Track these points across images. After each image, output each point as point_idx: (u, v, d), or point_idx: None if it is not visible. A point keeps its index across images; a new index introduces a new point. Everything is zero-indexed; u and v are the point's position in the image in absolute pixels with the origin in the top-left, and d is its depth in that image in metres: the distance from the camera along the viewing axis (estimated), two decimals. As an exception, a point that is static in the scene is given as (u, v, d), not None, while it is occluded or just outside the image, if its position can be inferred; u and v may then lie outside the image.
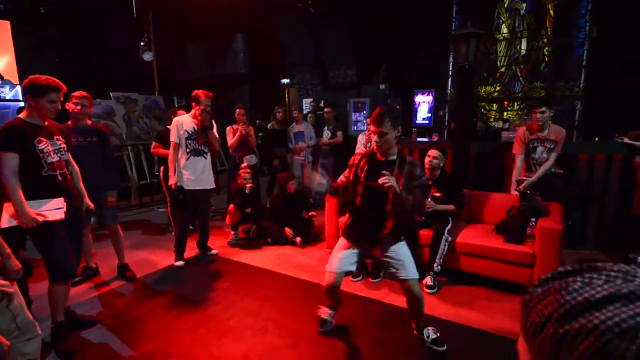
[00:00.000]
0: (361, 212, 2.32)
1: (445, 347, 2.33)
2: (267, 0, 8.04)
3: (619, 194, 3.93)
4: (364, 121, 6.76)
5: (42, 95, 2.24)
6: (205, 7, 7.54)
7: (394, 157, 2.27)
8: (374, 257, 2.49)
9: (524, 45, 6.94)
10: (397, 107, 7.28)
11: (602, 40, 6.19)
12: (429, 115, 7.72)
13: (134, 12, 7.36)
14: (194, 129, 3.66)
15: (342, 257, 2.39)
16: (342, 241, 2.45)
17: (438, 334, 2.40)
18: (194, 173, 3.67)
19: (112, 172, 3.28)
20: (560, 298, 0.38)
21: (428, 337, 2.39)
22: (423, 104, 7.81)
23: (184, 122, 3.65)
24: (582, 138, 6.24)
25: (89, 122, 3.22)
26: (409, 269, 2.31)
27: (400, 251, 2.33)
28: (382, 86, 7.17)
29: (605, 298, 0.36)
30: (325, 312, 2.59)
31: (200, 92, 3.65)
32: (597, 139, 4.92)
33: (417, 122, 7.74)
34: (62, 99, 2.35)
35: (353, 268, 2.44)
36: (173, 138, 3.63)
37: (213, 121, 3.74)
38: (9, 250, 1.72)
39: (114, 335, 2.56)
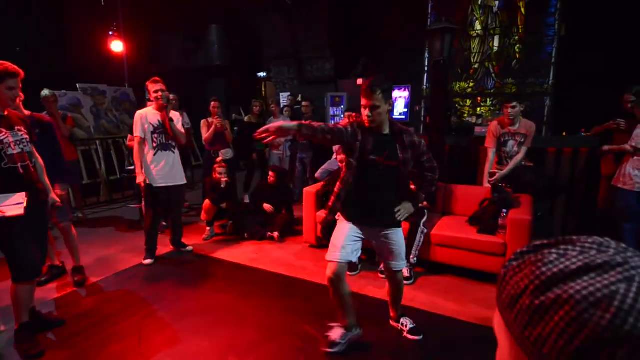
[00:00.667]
0: (362, 190, 2.14)
1: (421, 336, 2.37)
2: (242, -9, 7.90)
3: (585, 186, 4.11)
4: (342, 115, 6.77)
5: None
6: (178, -3, 7.32)
7: (387, 131, 2.13)
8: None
9: (496, 42, 7.10)
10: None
11: (570, 38, 6.42)
12: (406, 110, 7.81)
13: (102, 0, 7.06)
14: (159, 122, 3.52)
15: (345, 243, 2.13)
16: (343, 224, 2.21)
17: (414, 324, 2.42)
18: (163, 168, 3.53)
19: (60, 165, 2.95)
20: (536, 270, 0.38)
21: (405, 326, 2.41)
22: (400, 99, 7.89)
23: (147, 115, 3.50)
24: (551, 133, 6.47)
25: (26, 112, 2.84)
26: (403, 259, 2.27)
27: (399, 238, 2.24)
28: (359, 81, 7.19)
29: (580, 269, 0.36)
30: (338, 333, 2.25)
31: (148, 83, 3.49)
32: (564, 133, 5.13)
33: (393, 116, 7.82)
34: (20, 85, 2.22)
35: (355, 258, 2.20)
36: (137, 132, 3.46)
37: (177, 112, 3.60)
38: None
39: (82, 335, 2.46)
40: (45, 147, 2.79)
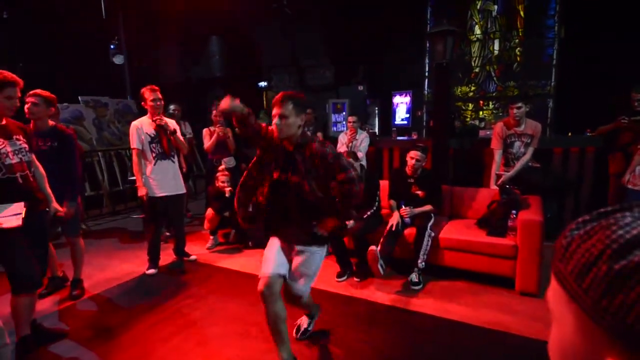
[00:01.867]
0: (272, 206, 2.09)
1: (307, 330, 2.42)
2: (242, 2, 7.94)
3: (593, 185, 4.05)
4: (344, 122, 6.74)
5: None
6: (178, 9, 7.37)
7: (293, 147, 2.02)
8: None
9: (496, 46, 7.11)
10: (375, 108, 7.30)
11: (570, 40, 6.42)
12: (407, 115, 7.79)
13: (103, 13, 7.11)
14: (155, 131, 3.45)
15: (274, 257, 2.08)
16: (273, 239, 2.16)
17: (310, 328, 2.45)
18: (164, 179, 3.48)
19: (71, 182, 2.86)
20: (611, 234, 0.34)
21: (307, 326, 2.44)
22: (401, 104, 7.87)
23: (143, 125, 3.44)
24: (555, 135, 6.43)
25: (51, 123, 2.89)
26: (306, 283, 2.10)
27: (313, 261, 2.09)
28: (360, 87, 7.19)
29: None
30: (305, 320, 2.48)
31: (143, 90, 3.43)
32: (570, 134, 5.08)
33: (395, 122, 7.80)
34: (19, 94, 2.19)
35: (284, 270, 2.09)
36: (134, 144, 3.38)
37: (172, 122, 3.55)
38: None
39: (84, 348, 2.39)
40: (62, 159, 2.82)
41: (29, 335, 2.28)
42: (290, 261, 2.12)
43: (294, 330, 2.46)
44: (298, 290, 2.10)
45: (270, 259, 2.07)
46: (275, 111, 1.97)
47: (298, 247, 2.10)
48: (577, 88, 5.99)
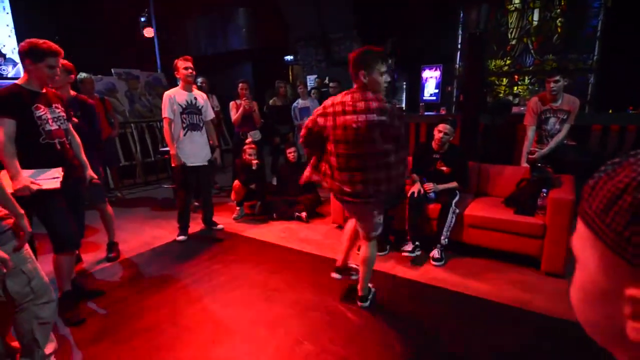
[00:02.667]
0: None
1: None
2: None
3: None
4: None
5: (41, 59, 2.17)
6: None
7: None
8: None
9: (536, 17, 6.68)
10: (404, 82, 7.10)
11: (618, 10, 5.94)
12: (437, 91, 7.56)
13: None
14: (186, 102, 3.52)
15: None
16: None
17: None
18: (193, 148, 3.57)
19: (92, 149, 2.91)
20: (638, 167, 0.34)
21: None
22: (430, 79, 7.64)
23: (175, 95, 3.50)
24: (594, 112, 6.08)
25: (72, 92, 2.99)
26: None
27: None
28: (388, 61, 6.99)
29: None
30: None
31: (177, 60, 3.48)
32: (610, 111, 4.79)
33: (424, 98, 7.59)
34: (60, 65, 2.28)
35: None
36: (166, 114, 3.45)
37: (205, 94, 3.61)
38: (22, 211, 1.68)
39: (119, 305, 2.57)
40: (84, 127, 2.90)
41: (70, 292, 2.47)
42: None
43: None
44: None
45: None
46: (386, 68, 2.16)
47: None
48: (621, 62, 5.59)
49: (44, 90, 2.30)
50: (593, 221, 0.37)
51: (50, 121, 2.27)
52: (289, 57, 9.48)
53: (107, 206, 3.29)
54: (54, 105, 2.33)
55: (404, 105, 7.56)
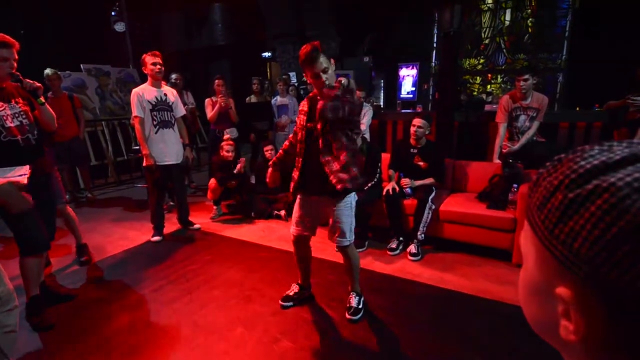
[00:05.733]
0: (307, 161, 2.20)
1: (359, 316, 2.30)
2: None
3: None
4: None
5: None
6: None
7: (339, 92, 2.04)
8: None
9: (508, 16, 6.88)
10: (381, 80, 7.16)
11: (585, 12, 6.19)
12: (413, 89, 7.65)
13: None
14: (156, 98, 3.41)
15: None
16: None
17: (360, 305, 2.36)
18: (166, 147, 3.47)
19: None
20: (573, 165, 0.34)
21: (357, 303, 2.36)
22: (407, 77, 7.71)
23: (144, 92, 3.39)
24: (562, 109, 6.32)
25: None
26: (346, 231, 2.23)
27: (342, 212, 2.21)
28: (366, 58, 7.03)
29: (625, 159, 0.31)
30: (295, 288, 2.54)
31: (145, 55, 3.37)
32: (577, 109, 4.99)
33: (401, 96, 7.67)
34: (16, 57, 2.17)
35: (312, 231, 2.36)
36: (136, 112, 3.33)
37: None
38: None
39: (92, 308, 2.49)
40: None
41: (38, 296, 2.37)
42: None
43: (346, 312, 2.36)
44: (340, 242, 2.29)
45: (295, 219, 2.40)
46: (309, 72, 2.01)
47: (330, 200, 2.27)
48: (589, 62, 5.83)
49: (4, 85, 2.20)
50: (532, 216, 0.37)
51: (9, 117, 2.17)
52: (266, 54, 9.40)
53: (66, 207, 3.07)
54: (13, 101, 2.23)
55: (381, 103, 7.62)
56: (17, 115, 2.22)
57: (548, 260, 0.35)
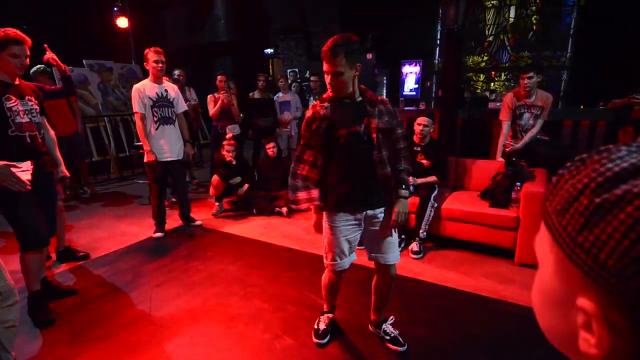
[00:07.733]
0: (348, 169, 1.81)
1: (405, 347, 2.01)
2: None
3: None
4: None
5: (3, 49, 2.07)
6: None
7: (360, 98, 1.81)
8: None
9: (512, 13, 6.82)
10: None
11: (590, 9, 6.13)
12: (416, 86, 7.61)
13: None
14: (157, 94, 3.41)
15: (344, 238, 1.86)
16: (333, 217, 1.85)
17: (397, 332, 2.07)
18: (167, 143, 3.47)
19: None
20: (599, 167, 0.31)
21: (387, 334, 2.07)
22: (410, 74, 7.67)
23: (145, 88, 3.38)
24: (566, 107, 6.28)
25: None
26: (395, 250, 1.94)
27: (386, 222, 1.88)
28: (368, 55, 6.99)
29: None
30: (326, 319, 2.16)
31: (147, 51, 3.36)
32: (582, 107, 4.95)
33: (404, 93, 7.64)
34: (28, 53, 2.18)
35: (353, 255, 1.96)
36: (137, 109, 3.33)
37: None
38: None
39: (94, 303, 2.50)
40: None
41: (39, 291, 2.37)
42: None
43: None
44: (386, 259, 1.98)
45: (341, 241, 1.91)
46: (326, 67, 1.71)
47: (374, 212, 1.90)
48: (593, 60, 5.78)
49: (17, 82, 2.22)
50: (552, 221, 0.34)
51: (21, 113, 2.19)
52: (269, 50, 9.37)
53: (61, 205, 3.00)
54: (26, 98, 2.26)
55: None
56: (27, 112, 2.24)
57: (569, 269, 0.32)
